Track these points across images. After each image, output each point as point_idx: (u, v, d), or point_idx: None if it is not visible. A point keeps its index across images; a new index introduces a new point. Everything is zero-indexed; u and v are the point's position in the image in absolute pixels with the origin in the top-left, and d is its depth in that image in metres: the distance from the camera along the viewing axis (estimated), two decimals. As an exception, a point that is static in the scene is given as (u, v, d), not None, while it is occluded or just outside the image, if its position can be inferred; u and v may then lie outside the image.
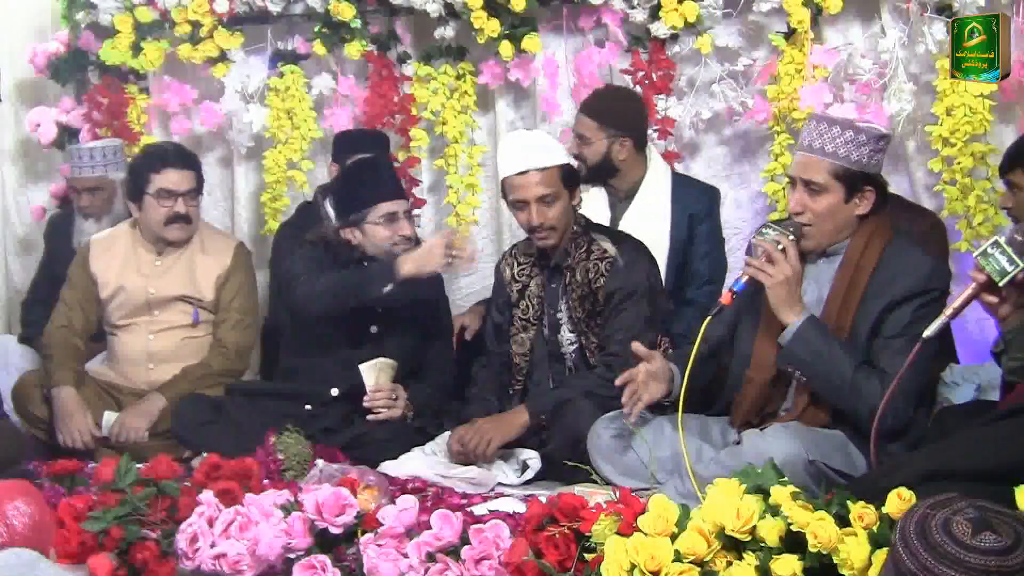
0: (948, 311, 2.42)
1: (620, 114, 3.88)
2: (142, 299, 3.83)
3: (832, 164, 2.83)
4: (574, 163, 3.54)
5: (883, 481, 2.35)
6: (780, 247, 2.81)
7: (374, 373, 3.52)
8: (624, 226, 3.81)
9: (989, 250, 2.30)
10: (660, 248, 3.78)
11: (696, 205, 3.90)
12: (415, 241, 3.61)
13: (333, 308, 3.50)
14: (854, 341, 2.81)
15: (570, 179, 3.42)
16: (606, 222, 3.82)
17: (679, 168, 4.21)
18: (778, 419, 2.91)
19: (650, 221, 3.82)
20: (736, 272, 4.20)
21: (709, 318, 2.87)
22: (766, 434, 2.74)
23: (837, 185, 2.84)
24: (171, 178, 3.78)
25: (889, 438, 2.74)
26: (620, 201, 3.91)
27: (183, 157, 3.88)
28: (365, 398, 3.52)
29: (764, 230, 2.88)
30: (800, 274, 2.82)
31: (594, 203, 3.85)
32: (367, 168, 3.68)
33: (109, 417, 3.68)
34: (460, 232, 3.47)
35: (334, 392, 3.60)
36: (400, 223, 3.55)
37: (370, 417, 3.52)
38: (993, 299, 2.35)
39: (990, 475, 2.28)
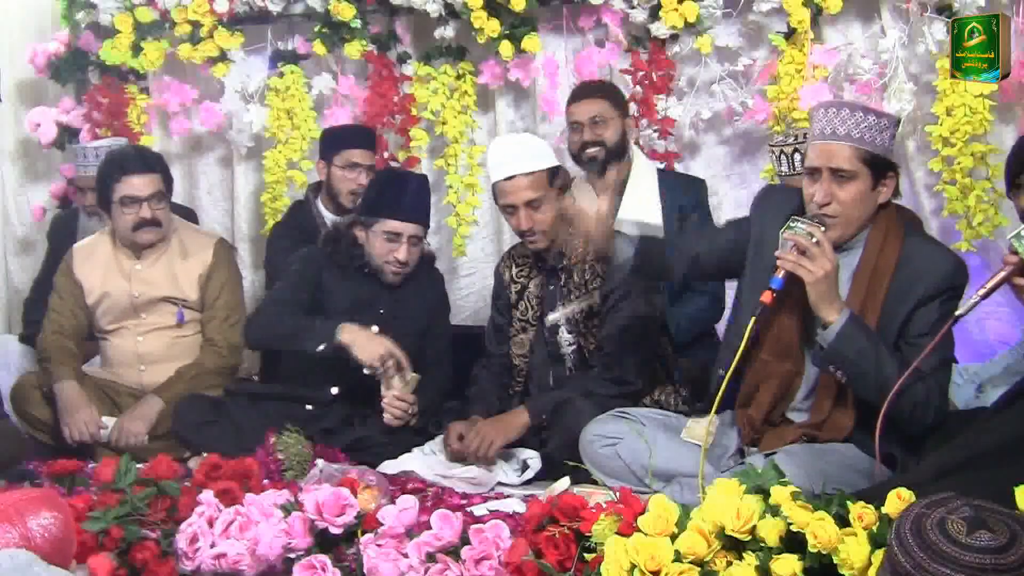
0: (981, 291, 2.43)
1: (621, 96, 3.98)
2: (127, 303, 3.82)
3: (858, 149, 2.73)
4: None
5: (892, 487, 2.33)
6: (814, 240, 2.69)
7: (402, 383, 3.53)
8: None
9: (1023, 232, 2.32)
10: None
11: (684, 197, 3.92)
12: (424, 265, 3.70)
13: (272, 346, 3.74)
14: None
15: (559, 181, 3.42)
16: None
17: (679, 168, 4.22)
18: (794, 428, 2.85)
19: (641, 217, 3.82)
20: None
21: (753, 320, 2.74)
22: (772, 461, 2.68)
23: (865, 171, 2.74)
24: (133, 184, 3.74)
25: (924, 435, 2.71)
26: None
27: (144, 161, 3.82)
28: (385, 400, 3.51)
29: (792, 223, 2.75)
30: (838, 268, 2.71)
31: (587, 203, 3.86)
32: (397, 181, 3.66)
33: (108, 422, 3.67)
34: (412, 380, 3.51)
35: (334, 391, 3.60)
36: (400, 246, 3.54)
37: (384, 416, 3.51)
38: (1023, 281, 2.37)
39: (999, 454, 2.29)
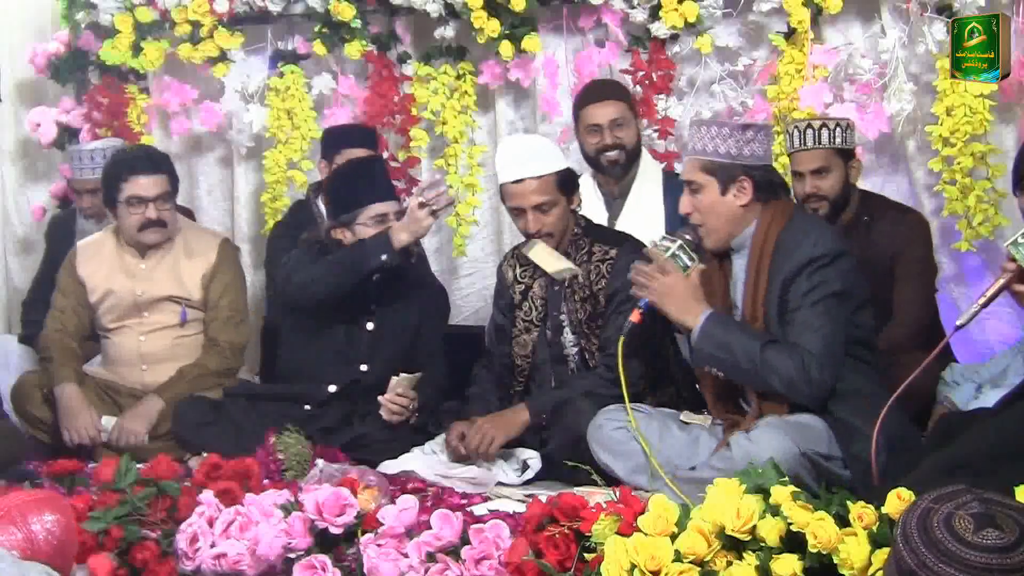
0: (981, 300, 2.44)
1: (631, 96, 4.00)
2: (130, 301, 3.82)
3: (701, 160, 2.92)
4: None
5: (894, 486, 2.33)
6: (668, 252, 2.89)
7: (398, 379, 3.54)
8: (621, 224, 3.84)
9: (1020, 240, 2.33)
10: None
11: None
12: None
13: (333, 288, 3.52)
14: (768, 326, 2.85)
15: (567, 184, 3.41)
16: (604, 220, 3.84)
17: (678, 168, 4.22)
18: (745, 418, 2.94)
19: (645, 218, 3.83)
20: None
21: (623, 338, 2.93)
22: (752, 436, 2.74)
23: (710, 180, 2.91)
24: (140, 184, 3.72)
25: (813, 406, 2.79)
26: (614, 199, 3.93)
27: (151, 161, 3.80)
28: (384, 397, 3.52)
29: (660, 240, 2.94)
30: (683, 277, 2.86)
31: (591, 202, 3.87)
32: (360, 168, 3.67)
33: (108, 421, 3.67)
34: (429, 183, 3.48)
35: (331, 388, 3.60)
36: (391, 225, 3.54)
37: (382, 412, 3.52)
38: (1023, 288, 2.37)
39: (1002, 455, 2.30)
